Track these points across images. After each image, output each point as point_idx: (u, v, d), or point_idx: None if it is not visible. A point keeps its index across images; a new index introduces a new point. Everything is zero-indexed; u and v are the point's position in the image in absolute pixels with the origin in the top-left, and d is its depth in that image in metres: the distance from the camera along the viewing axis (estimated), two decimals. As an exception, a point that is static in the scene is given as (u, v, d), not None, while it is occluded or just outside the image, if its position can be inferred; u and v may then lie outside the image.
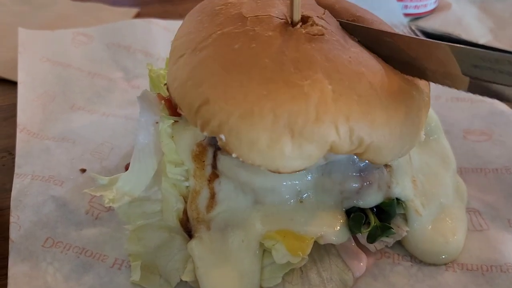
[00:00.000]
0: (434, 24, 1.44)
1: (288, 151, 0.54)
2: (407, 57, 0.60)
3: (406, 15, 1.47)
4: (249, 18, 0.63)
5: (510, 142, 0.95)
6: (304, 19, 0.63)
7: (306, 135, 0.54)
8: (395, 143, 0.60)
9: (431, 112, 0.83)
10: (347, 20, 0.68)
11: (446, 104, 1.06)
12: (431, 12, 1.51)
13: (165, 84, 0.68)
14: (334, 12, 0.70)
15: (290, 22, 0.62)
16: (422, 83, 0.64)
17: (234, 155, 0.56)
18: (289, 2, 0.62)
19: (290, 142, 0.54)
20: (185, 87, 0.60)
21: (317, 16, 0.65)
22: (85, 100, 1.05)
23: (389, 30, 0.68)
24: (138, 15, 1.53)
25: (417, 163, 0.77)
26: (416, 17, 1.49)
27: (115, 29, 1.25)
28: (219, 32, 0.62)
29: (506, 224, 0.79)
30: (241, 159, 0.56)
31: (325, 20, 0.65)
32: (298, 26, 0.62)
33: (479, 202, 0.83)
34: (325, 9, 0.70)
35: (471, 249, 0.75)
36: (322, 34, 0.61)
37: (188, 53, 0.62)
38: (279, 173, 0.56)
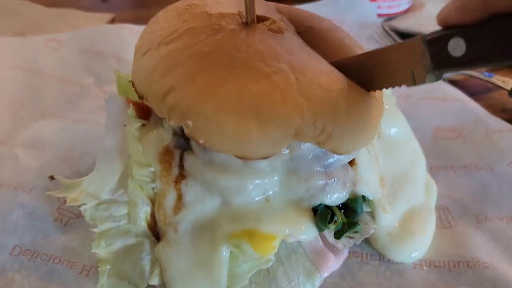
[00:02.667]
0: (407, 24, 1.45)
1: (254, 135, 0.55)
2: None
3: (380, 15, 1.49)
4: (213, 14, 0.64)
5: (479, 139, 0.96)
6: (264, 19, 0.65)
7: (272, 119, 0.55)
8: (355, 133, 0.61)
9: (399, 113, 0.84)
10: (296, 31, 0.69)
11: (417, 103, 1.07)
12: (405, 12, 1.53)
13: (130, 81, 0.68)
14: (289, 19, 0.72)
15: (245, 22, 0.63)
16: None
17: (201, 141, 0.57)
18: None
19: (256, 126, 0.55)
20: (151, 77, 0.60)
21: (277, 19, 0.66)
22: (56, 107, 1.05)
23: (344, 39, 0.70)
24: (112, 21, 1.52)
25: (386, 163, 0.78)
26: (389, 18, 1.50)
27: (87, 35, 1.25)
28: (185, 27, 0.63)
29: (473, 220, 0.80)
30: (208, 146, 0.57)
31: (284, 23, 0.66)
32: (261, 24, 0.63)
33: (448, 199, 0.84)
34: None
35: (439, 246, 0.75)
36: (282, 33, 0.63)
37: (153, 48, 0.63)
38: (246, 159, 0.58)
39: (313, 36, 0.69)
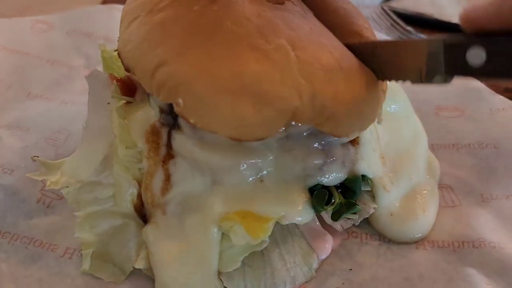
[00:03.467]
0: (406, 4, 1.41)
1: (250, 117, 0.51)
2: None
3: (379, -4, 1.44)
4: None
5: (483, 117, 0.93)
6: None
7: (269, 100, 0.52)
8: (356, 115, 0.58)
9: (400, 90, 0.81)
10: None
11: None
12: (404, -7, 1.49)
13: (116, 50, 0.64)
14: None
15: None
16: None
17: (192, 120, 0.53)
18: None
19: (252, 107, 0.51)
20: (140, 48, 0.56)
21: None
22: (43, 88, 1.00)
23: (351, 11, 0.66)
24: (104, 2, 1.48)
25: (387, 141, 0.74)
26: (388, -2, 1.46)
27: (77, 16, 1.20)
28: None
29: (479, 199, 0.76)
30: (199, 126, 0.53)
31: None
32: None
33: (451, 178, 0.80)
34: None
35: (443, 226, 0.72)
36: (283, 3, 0.59)
37: (143, 15, 0.59)
38: (240, 140, 0.54)
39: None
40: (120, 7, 1.24)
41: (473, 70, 0.45)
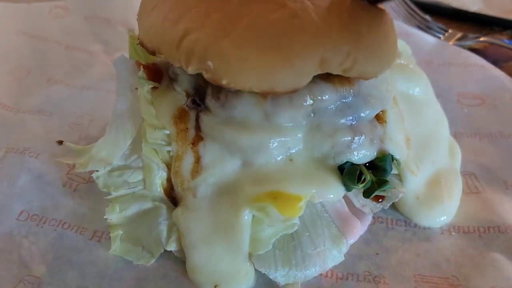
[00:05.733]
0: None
1: (278, 66, 0.53)
2: None
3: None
4: None
5: (504, 106, 0.93)
6: None
7: (294, 48, 0.53)
8: (379, 54, 0.60)
9: (423, 74, 0.81)
10: None
11: (438, 69, 1.03)
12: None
13: (138, 43, 0.64)
14: None
15: None
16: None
17: (224, 81, 0.54)
18: None
19: (279, 57, 0.53)
20: (162, 28, 0.58)
21: None
22: (63, 74, 1.01)
23: None
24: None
25: (410, 124, 0.74)
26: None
27: (94, 2, 1.21)
28: None
29: (502, 185, 0.77)
30: (232, 85, 0.54)
31: None
32: None
33: (474, 165, 0.81)
34: None
35: (467, 212, 0.72)
36: None
37: (160, 3, 0.60)
38: (272, 94, 0.55)
39: None
40: (136, -7, 1.24)
41: None
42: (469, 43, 1.18)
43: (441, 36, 1.23)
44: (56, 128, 0.85)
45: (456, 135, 0.86)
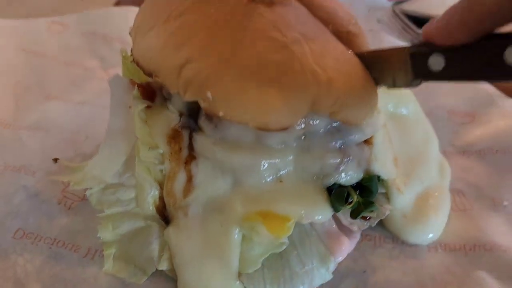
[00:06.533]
0: (418, 7, 1.42)
1: (277, 104, 0.54)
2: None
3: (389, -1, 1.46)
4: None
5: (494, 122, 0.94)
6: None
7: (292, 88, 0.54)
8: (364, 102, 0.61)
9: (410, 94, 0.82)
10: None
11: (429, 85, 1.03)
12: (415, -5, 1.50)
13: (132, 61, 0.66)
14: None
15: None
16: None
17: (221, 113, 0.55)
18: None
19: (278, 95, 0.54)
20: (163, 52, 0.59)
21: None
22: (61, 90, 1.02)
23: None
24: (118, 3, 1.49)
25: (399, 144, 0.76)
26: (400, 1, 1.47)
27: (91, 18, 1.22)
28: (191, 0, 0.61)
29: (490, 203, 0.78)
30: (228, 118, 0.55)
31: None
32: None
33: (462, 182, 0.82)
34: None
35: (455, 229, 0.74)
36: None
37: (159, 24, 0.61)
38: (268, 130, 0.56)
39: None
40: (134, 9, 1.26)
41: (436, 75, 0.51)
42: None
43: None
44: (52, 144, 0.86)
45: (445, 153, 0.87)
